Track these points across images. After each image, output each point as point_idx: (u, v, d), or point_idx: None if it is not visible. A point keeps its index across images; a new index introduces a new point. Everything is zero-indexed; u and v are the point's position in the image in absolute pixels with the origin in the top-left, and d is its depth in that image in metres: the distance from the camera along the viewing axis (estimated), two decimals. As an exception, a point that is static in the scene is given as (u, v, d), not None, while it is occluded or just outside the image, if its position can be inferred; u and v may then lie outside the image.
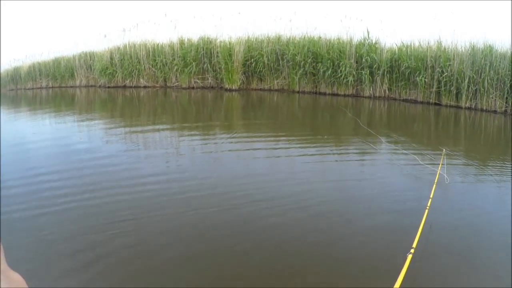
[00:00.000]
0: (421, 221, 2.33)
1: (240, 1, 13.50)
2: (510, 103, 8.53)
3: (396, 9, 10.95)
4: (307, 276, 2.31)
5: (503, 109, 8.64)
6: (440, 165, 3.89)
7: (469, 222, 3.07)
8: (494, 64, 8.79)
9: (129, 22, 13.11)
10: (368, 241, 2.69)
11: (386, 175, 4.24)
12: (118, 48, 13.06)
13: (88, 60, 14.18)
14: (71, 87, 14.93)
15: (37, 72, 15.43)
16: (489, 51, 9.01)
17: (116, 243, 2.58)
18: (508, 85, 8.53)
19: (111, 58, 13.24)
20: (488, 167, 4.70)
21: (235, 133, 6.44)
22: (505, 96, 8.60)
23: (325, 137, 6.35)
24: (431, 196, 2.82)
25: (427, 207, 2.54)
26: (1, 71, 16.63)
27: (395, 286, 1.60)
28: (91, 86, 14.38)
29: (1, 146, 5.22)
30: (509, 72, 8.57)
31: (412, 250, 1.90)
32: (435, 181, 3.26)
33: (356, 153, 5.31)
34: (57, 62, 14.82)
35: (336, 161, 4.95)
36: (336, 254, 2.54)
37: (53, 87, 15.49)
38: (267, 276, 2.29)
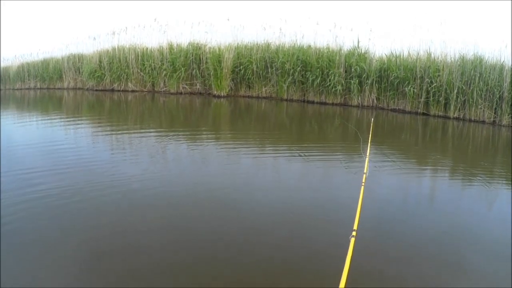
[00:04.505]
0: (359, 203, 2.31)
1: (230, 7, 13.46)
2: (499, 114, 8.25)
3: (387, 19, 10.82)
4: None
5: (492, 119, 8.36)
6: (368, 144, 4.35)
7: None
8: (484, 75, 8.57)
9: (119, 25, 12.98)
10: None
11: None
12: (107, 51, 12.92)
13: (76, 62, 14.04)
14: (58, 89, 14.77)
15: (26, 72, 15.30)
16: (479, 62, 8.80)
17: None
18: (498, 96, 8.28)
19: (100, 61, 13.09)
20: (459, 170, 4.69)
21: (221, 139, 6.40)
22: (494, 107, 8.33)
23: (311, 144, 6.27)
24: (365, 171, 2.94)
25: (363, 183, 2.56)
26: None
27: (344, 269, 1.61)
28: (79, 88, 14.20)
29: None
30: (499, 83, 8.33)
31: (354, 233, 1.87)
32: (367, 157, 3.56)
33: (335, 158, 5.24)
34: (45, 63, 14.71)
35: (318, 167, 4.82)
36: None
37: (41, 88, 15.35)
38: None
